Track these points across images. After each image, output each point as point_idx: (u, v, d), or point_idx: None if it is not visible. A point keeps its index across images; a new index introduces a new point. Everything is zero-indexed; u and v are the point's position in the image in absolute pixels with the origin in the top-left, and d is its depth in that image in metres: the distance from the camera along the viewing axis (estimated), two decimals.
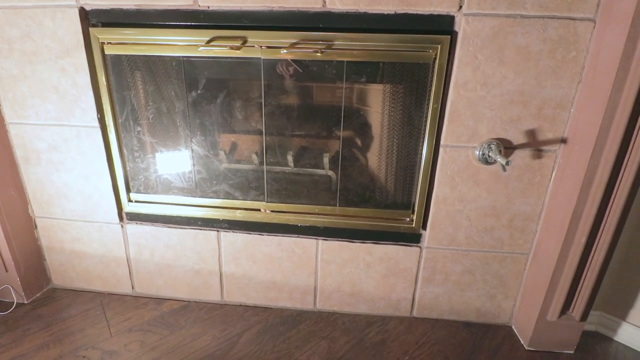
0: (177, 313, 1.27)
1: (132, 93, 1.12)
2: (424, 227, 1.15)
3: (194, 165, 1.18)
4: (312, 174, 1.25)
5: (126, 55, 1.08)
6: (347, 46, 0.99)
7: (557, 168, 1.04)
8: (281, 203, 1.17)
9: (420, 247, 1.18)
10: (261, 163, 1.16)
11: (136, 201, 1.23)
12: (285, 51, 1.00)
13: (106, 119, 1.13)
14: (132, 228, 1.26)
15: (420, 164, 1.08)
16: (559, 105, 0.98)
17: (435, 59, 0.97)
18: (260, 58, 1.03)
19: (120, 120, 1.14)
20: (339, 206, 1.15)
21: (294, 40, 0.99)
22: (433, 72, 0.99)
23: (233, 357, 1.08)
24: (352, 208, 1.15)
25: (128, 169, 1.20)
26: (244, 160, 1.19)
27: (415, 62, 1.00)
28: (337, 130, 1.13)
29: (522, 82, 0.97)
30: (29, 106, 1.14)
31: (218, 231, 1.23)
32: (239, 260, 1.26)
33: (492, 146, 1.00)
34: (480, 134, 1.03)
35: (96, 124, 1.14)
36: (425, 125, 1.04)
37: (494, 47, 0.94)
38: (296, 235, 1.20)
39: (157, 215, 1.23)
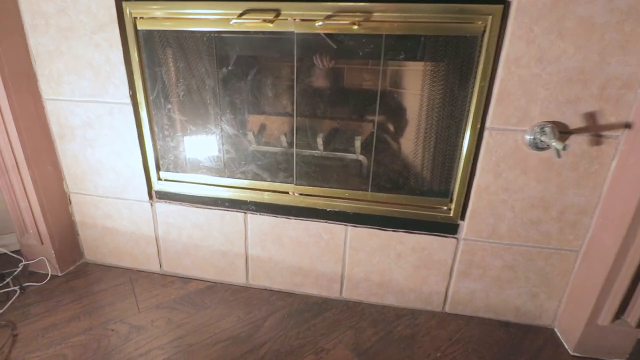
0: (203, 293, 1.26)
1: (163, 70, 1.10)
2: (463, 217, 1.07)
3: (222, 144, 1.15)
4: (343, 158, 1.20)
5: (158, 31, 1.06)
6: (387, 17, 0.91)
7: (618, 156, 0.93)
8: (310, 186, 1.13)
9: (457, 238, 1.10)
10: (290, 145, 1.11)
11: (165, 180, 1.23)
12: (320, 23, 0.94)
13: (138, 96, 1.12)
14: (161, 207, 1.26)
15: (461, 148, 1.00)
16: (624, 85, 0.87)
17: (484, 31, 0.88)
18: (293, 32, 0.97)
19: (151, 98, 1.13)
20: (370, 191, 1.09)
21: (329, 13, 0.93)
22: (481, 46, 0.90)
23: (257, 340, 1.06)
24: (384, 194, 1.09)
25: (158, 147, 1.19)
26: (273, 141, 1.15)
27: (462, 36, 0.91)
28: (371, 112, 1.07)
29: (583, 58, 0.86)
30: (65, 82, 1.15)
31: (245, 213, 1.20)
32: (265, 243, 1.23)
33: (547, 129, 0.90)
34: (532, 116, 0.93)
35: (128, 100, 1.13)
36: (469, 106, 0.96)
37: (553, 18, 0.84)
38: (324, 221, 1.16)
39: (185, 195, 1.22)
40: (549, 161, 0.97)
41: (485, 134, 0.97)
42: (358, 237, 1.15)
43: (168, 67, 1.10)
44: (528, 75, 0.90)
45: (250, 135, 1.14)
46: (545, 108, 0.92)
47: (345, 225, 1.15)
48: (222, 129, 1.13)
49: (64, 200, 1.33)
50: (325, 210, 1.14)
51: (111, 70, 1.11)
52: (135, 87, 1.12)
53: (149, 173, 1.22)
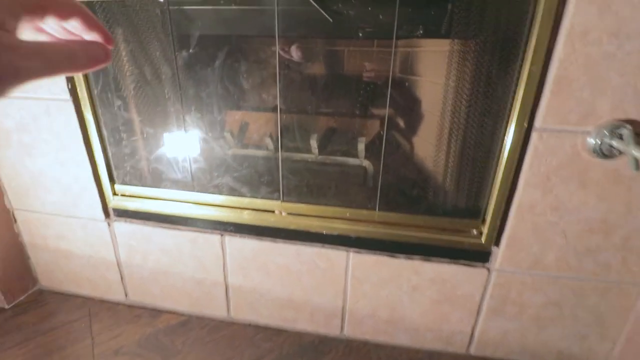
0: (175, 331, 1.04)
1: None
2: (497, 243, 0.83)
3: (188, 151, 0.91)
4: (343, 164, 0.95)
5: (98, 1, 0.80)
6: None
7: None
8: (301, 203, 0.88)
9: (488, 268, 0.86)
10: (276, 149, 0.86)
11: (122, 194, 0.99)
12: None
13: (78, 90, 0.87)
14: (121, 226, 1.03)
15: (500, 155, 0.75)
16: None
17: None
18: (274, 1, 0.72)
19: (96, 92, 0.88)
20: (378, 210, 0.85)
21: None
22: (534, 14, 0.64)
23: None
24: (396, 214, 0.84)
25: (110, 154, 0.94)
26: (252, 145, 0.90)
27: (506, 1, 0.65)
28: (379, 107, 0.82)
29: None
30: None
31: (222, 235, 0.97)
32: (248, 270, 0.99)
33: (624, 131, 0.64)
34: (600, 112, 0.68)
35: (67, 96, 0.88)
36: (512, 99, 0.71)
37: None
38: (320, 245, 0.92)
39: (147, 213, 0.98)
40: (616, 173, 0.72)
41: (534, 136, 0.72)
42: (362, 266, 0.92)
43: (114, 51, 0.85)
44: (598, 55, 0.64)
45: (223, 139, 0.90)
46: (618, 101, 0.66)
47: (347, 250, 0.91)
48: (186, 131, 0.88)
49: (7, 217, 1.10)
50: (321, 233, 0.90)
51: None
52: (73, 79, 0.87)
53: (101, 187, 0.98)
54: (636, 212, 0.74)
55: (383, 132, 0.84)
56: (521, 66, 0.68)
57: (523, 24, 0.65)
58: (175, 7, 0.76)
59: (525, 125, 0.71)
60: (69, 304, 1.13)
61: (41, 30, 0.27)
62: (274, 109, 0.84)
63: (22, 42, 0.23)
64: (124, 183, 0.97)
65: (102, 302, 1.14)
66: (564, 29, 0.63)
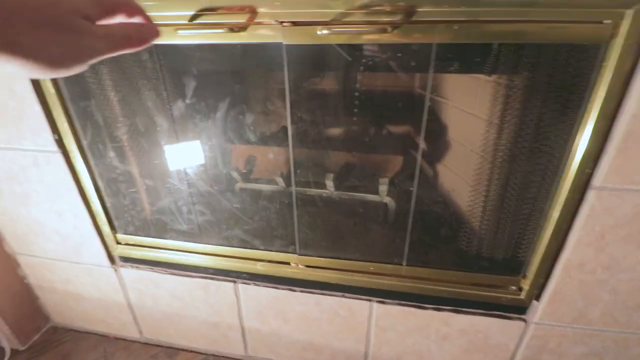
0: None
1: (94, 103, 0.73)
2: (538, 297, 0.75)
3: (193, 204, 0.82)
4: (365, 214, 0.86)
5: None
6: (440, 14, 0.52)
7: None
8: (318, 257, 0.80)
9: (525, 320, 0.79)
10: (288, 206, 0.77)
11: (126, 244, 0.91)
12: (325, 31, 0.55)
13: (65, 141, 0.77)
14: (128, 272, 0.96)
15: (550, 211, 0.65)
16: None
17: (613, 36, 0.49)
18: (281, 44, 0.59)
19: (85, 143, 0.78)
20: (406, 264, 0.77)
21: (340, 10, 0.54)
22: (603, 62, 0.51)
23: None
24: (427, 269, 0.76)
25: (109, 205, 0.86)
26: (264, 198, 0.81)
27: (568, 44, 0.53)
28: (410, 141, 0.71)
29: None
30: None
31: (235, 282, 0.90)
32: (265, 317, 0.94)
33: None
34: None
35: (54, 147, 0.78)
36: (569, 154, 0.59)
37: None
38: (341, 295, 0.85)
39: (154, 261, 0.92)
40: None
41: (591, 194, 0.61)
42: (387, 316, 0.85)
43: (100, 101, 0.73)
44: None
45: (231, 193, 0.80)
46: None
47: (370, 300, 0.84)
48: (189, 184, 0.79)
49: (9, 261, 1.04)
50: (342, 284, 0.83)
51: (19, 106, 0.75)
52: (59, 130, 0.76)
53: (103, 236, 0.90)
54: None
55: (414, 174, 0.73)
56: (583, 119, 0.56)
57: (588, 72, 0.53)
58: (167, 52, 0.64)
59: (583, 182, 0.60)
60: (85, 344, 1.10)
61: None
62: (285, 160, 0.73)
63: (97, 27, 0.28)
64: (126, 233, 0.89)
65: (118, 341, 1.11)
66: (638, 80, 0.51)
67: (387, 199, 0.88)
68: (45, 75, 0.28)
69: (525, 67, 0.57)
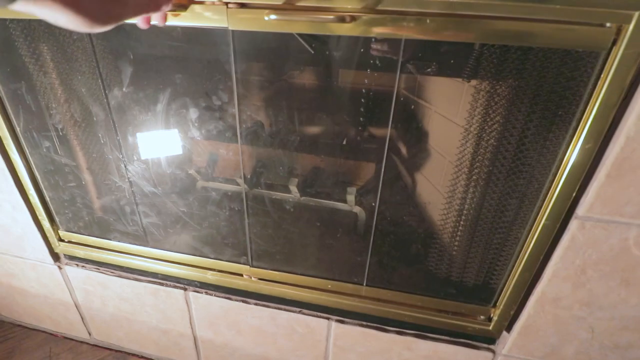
0: None
1: (25, 87, 0.64)
2: (508, 329, 0.68)
3: (136, 204, 0.73)
4: (331, 224, 0.77)
5: (11, 20, 0.59)
6: (411, 4, 0.43)
7: None
8: (273, 270, 0.72)
9: (493, 351, 0.72)
10: (239, 213, 0.69)
11: (69, 241, 0.83)
12: (273, 16, 0.46)
13: None
14: (73, 271, 0.88)
15: (526, 239, 0.57)
16: None
17: (614, 42, 0.41)
18: (227, 28, 0.50)
19: (18, 130, 0.69)
20: (366, 285, 0.69)
21: None
22: (601, 72, 0.43)
23: None
24: (389, 291, 0.68)
25: (47, 199, 0.77)
26: (212, 202, 0.72)
27: (561, 49, 0.44)
28: (376, 146, 0.63)
29: None
30: None
31: (185, 289, 0.82)
32: (218, 327, 0.86)
33: None
34: None
35: None
36: (552, 176, 0.51)
37: None
38: (298, 311, 0.77)
39: (99, 262, 0.84)
40: None
41: (573, 224, 0.53)
42: (347, 336, 0.78)
43: (33, 83, 0.64)
44: None
45: (176, 194, 0.71)
46: None
47: (329, 318, 0.77)
48: (130, 182, 0.70)
49: None
50: (299, 300, 0.75)
51: None
52: None
53: (44, 231, 0.82)
54: None
55: (378, 184, 0.65)
56: (572, 140, 0.48)
57: (583, 81, 0.44)
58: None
59: (565, 210, 0.52)
60: (30, 342, 1.02)
61: None
62: (234, 152, 0.65)
63: None
64: (68, 230, 0.81)
65: (66, 340, 1.03)
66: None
67: (357, 209, 0.80)
68: (82, 28, 0.28)
69: (509, 72, 0.49)
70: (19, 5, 0.26)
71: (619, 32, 0.40)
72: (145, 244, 0.77)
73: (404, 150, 0.64)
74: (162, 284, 0.83)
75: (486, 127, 0.54)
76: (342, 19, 0.44)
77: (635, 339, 0.63)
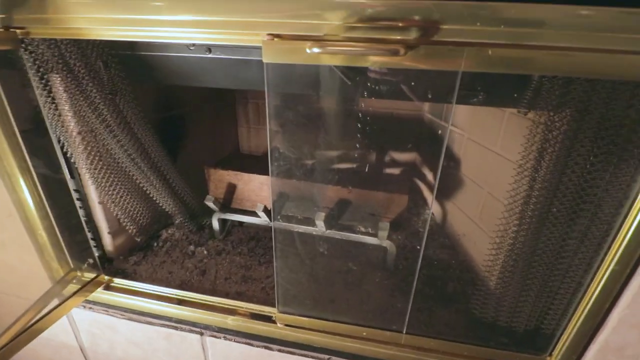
0: None
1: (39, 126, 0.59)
2: None
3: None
4: (361, 260, 0.72)
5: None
6: (470, 34, 0.39)
7: None
8: (302, 316, 0.65)
9: None
10: (269, 254, 0.63)
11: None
12: (316, 49, 0.41)
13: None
14: (80, 313, 0.81)
15: (589, 284, 0.51)
16: None
17: None
18: (261, 61, 0.45)
19: (26, 156, 0.63)
20: (406, 333, 0.62)
21: (338, 23, 0.41)
22: None
23: None
24: (431, 340, 0.61)
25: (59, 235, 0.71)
26: (236, 241, 0.66)
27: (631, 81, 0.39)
28: (419, 185, 0.57)
29: None
30: None
31: (202, 334, 0.75)
32: None
33: None
34: None
35: None
36: (621, 216, 0.46)
37: None
38: (327, 358, 0.70)
39: (106, 304, 0.76)
40: None
41: None
42: None
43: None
44: None
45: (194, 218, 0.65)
46: None
47: None
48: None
49: None
50: (329, 348, 0.68)
51: None
52: None
53: (52, 272, 0.75)
54: None
55: (425, 222, 0.59)
56: (635, 171, 0.43)
57: None
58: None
59: (637, 256, 0.46)
60: None
61: None
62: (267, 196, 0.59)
63: None
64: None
65: None
66: None
67: (387, 243, 0.74)
68: None
69: (571, 104, 0.44)
70: None
71: None
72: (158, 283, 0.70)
73: (456, 182, 0.59)
74: (175, 328, 0.75)
75: (542, 162, 0.49)
76: (395, 52, 0.39)
77: None
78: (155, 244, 0.85)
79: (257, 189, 0.77)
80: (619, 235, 0.46)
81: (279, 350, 0.72)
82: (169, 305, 0.72)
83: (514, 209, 0.53)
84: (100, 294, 0.76)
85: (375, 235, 0.72)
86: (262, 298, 0.72)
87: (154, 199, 0.80)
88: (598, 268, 0.49)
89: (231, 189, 0.79)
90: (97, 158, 0.71)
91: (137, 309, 0.75)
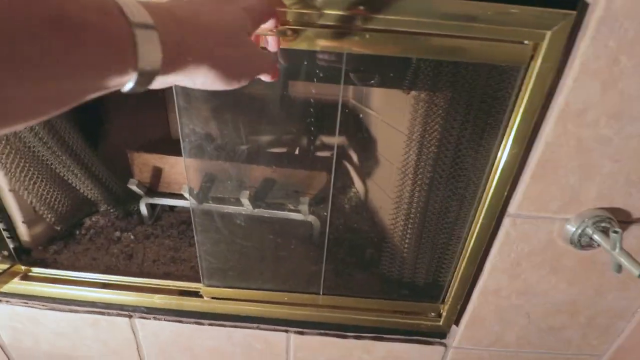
0: None
1: None
2: (457, 322, 0.71)
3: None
4: (287, 235, 0.76)
5: None
6: (350, 19, 0.44)
7: None
8: (227, 288, 0.68)
9: (445, 345, 0.75)
10: (189, 226, 0.64)
11: None
12: None
13: None
14: None
15: (466, 239, 0.60)
16: None
17: (532, 59, 0.44)
18: None
19: None
20: (323, 294, 0.68)
21: None
22: (522, 86, 0.46)
23: None
24: (345, 298, 0.68)
25: None
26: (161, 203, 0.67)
27: (489, 64, 0.47)
28: (326, 160, 0.62)
29: None
30: None
31: (131, 317, 0.75)
32: (171, 354, 0.80)
33: (613, 229, 0.51)
34: (584, 199, 0.54)
35: None
36: (486, 179, 0.54)
37: None
38: (255, 326, 0.74)
39: (24, 295, 0.73)
40: (590, 260, 0.60)
41: (506, 222, 0.57)
42: (306, 347, 0.76)
43: None
44: (593, 138, 0.49)
45: (112, 195, 0.65)
46: (606, 189, 0.53)
47: (287, 331, 0.74)
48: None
49: None
50: (256, 316, 0.72)
51: None
52: None
53: None
54: (606, 294, 0.65)
55: (329, 192, 0.65)
56: (500, 145, 0.51)
57: (508, 92, 0.48)
58: None
59: (498, 210, 0.56)
60: None
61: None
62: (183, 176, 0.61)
63: (262, 50, 0.35)
64: None
65: None
66: (557, 106, 0.47)
67: (311, 217, 0.79)
68: (223, 87, 0.29)
69: (444, 84, 0.51)
70: (159, 83, 0.25)
71: (535, 48, 0.44)
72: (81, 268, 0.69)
73: (354, 157, 0.65)
74: (102, 313, 0.74)
75: (427, 135, 0.56)
76: (283, 33, 0.43)
77: (567, 321, 0.69)
78: (78, 232, 0.83)
79: (184, 171, 0.77)
80: (484, 195, 0.55)
81: (210, 324, 0.74)
82: (93, 289, 0.71)
83: (407, 177, 0.61)
84: (16, 285, 0.72)
85: (298, 211, 0.76)
86: (192, 276, 0.74)
87: (73, 185, 0.77)
88: (472, 222, 0.58)
89: (157, 172, 0.79)
90: (3, 142, 0.67)
91: (60, 296, 0.73)
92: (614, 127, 0.48)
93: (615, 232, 0.51)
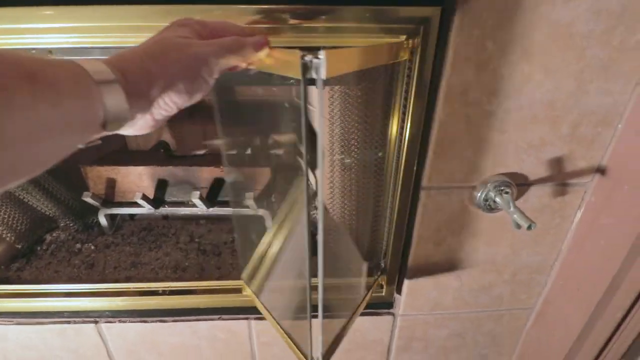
0: None
1: None
2: (399, 291, 0.78)
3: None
4: (231, 224, 0.81)
5: None
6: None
7: (585, 206, 0.67)
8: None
9: (393, 314, 0.81)
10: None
11: None
12: None
13: None
14: None
15: (391, 214, 0.67)
16: (602, 121, 0.59)
17: (414, 51, 0.51)
18: None
19: None
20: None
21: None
22: (410, 75, 0.53)
23: None
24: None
25: None
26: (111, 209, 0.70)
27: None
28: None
29: (555, 87, 0.55)
30: None
31: (97, 322, 0.77)
32: (139, 354, 0.83)
33: (504, 191, 0.59)
34: (483, 168, 0.62)
35: None
36: (397, 160, 0.61)
37: (516, 28, 0.50)
38: (216, 317, 0.78)
39: None
40: (501, 221, 0.68)
41: (422, 195, 0.64)
42: (268, 331, 0.81)
43: None
44: (478, 114, 0.56)
45: (57, 201, 0.68)
46: (500, 157, 0.61)
47: (247, 318, 0.79)
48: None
49: None
50: (216, 307, 0.76)
51: None
52: None
53: None
54: (520, 251, 0.72)
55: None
56: (402, 129, 0.58)
57: (396, 86, 0.55)
58: None
59: (412, 185, 0.63)
60: None
61: None
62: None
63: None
64: None
65: None
66: (442, 90, 0.54)
67: (262, 211, 0.84)
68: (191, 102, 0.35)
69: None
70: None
71: (413, 43, 0.51)
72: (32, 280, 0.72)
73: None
74: (68, 322, 0.77)
75: (349, 126, 0.63)
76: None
77: (494, 279, 0.76)
78: (39, 248, 0.85)
79: (137, 180, 0.81)
80: (399, 172, 0.62)
81: (174, 321, 0.78)
82: (58, 299, 0.74)
83: (334, 164, 0.67)
84: None
85: (247, 206, 0.81)
86: (152, 278, 0.78)
87: (29, 203, 0.80)
88: (392, 198, 0.65)
89: (111, 183, 0.82)
90: None
91: (25, 310, 0.75)
92: (493, 103, 0.55)
93: (507, 192, 0.58)
